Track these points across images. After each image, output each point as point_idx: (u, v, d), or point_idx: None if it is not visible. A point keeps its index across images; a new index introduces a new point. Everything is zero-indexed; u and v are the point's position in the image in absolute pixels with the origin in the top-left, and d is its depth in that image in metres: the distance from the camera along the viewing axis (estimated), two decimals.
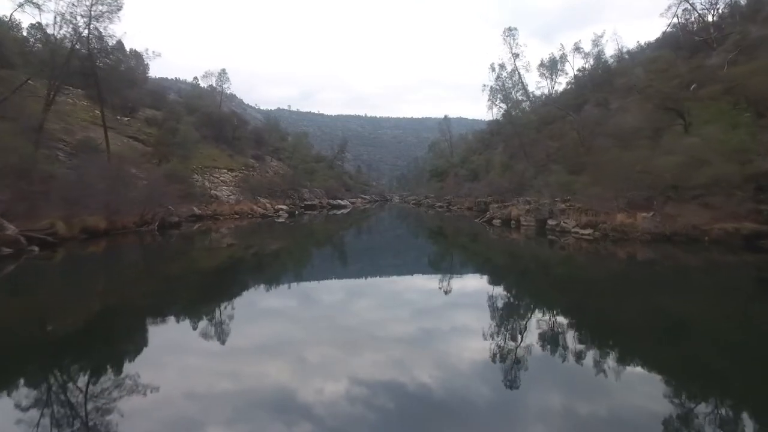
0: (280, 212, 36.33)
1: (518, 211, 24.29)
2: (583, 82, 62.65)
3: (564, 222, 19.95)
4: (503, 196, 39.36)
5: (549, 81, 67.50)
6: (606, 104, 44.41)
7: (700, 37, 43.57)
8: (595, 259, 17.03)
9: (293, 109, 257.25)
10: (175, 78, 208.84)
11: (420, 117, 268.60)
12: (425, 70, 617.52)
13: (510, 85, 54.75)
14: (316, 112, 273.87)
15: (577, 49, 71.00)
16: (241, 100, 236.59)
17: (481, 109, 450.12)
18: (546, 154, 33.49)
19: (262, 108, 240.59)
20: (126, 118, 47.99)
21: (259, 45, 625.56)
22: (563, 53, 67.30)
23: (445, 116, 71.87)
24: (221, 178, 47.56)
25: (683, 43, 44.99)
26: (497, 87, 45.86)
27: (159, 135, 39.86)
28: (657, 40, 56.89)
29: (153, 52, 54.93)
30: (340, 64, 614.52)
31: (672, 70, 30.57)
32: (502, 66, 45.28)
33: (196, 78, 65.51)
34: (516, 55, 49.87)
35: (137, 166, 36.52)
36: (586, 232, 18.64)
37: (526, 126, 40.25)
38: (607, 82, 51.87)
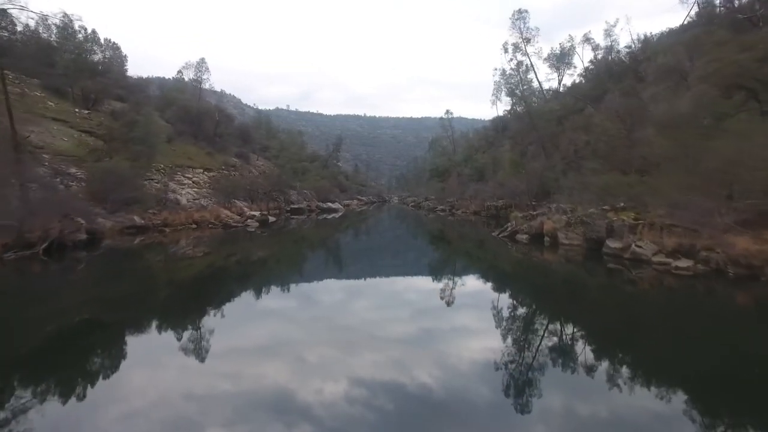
0: (251, 220, 28.97)
1: (553, 224, 17.27)
2: (596, 73, 55.74)
3: (638, 245, 12.88)
4: (518, 198, 32.33)
5: (558, 73, 60.70)
6: (634, 93, 37.53)
7: (744, 14, 36.70)
8: (683, 298, 10.17)
9: (292, 108, 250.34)
10: (172, 77, 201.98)
11: (419, 116, 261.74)
12: (424, 70, 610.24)
13: (522, 73, 47.93)
14: (315, 111, 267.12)
15: (587, 39, 64.34)
16: (239, 99, 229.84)
17: (480, 109, 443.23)
18: (574, 150, 26.49)
19: (260, 108, 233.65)
20: (86, 111, 41.03)
21: (259, 45, 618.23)
22: (572, 45, 60.44)
23: (447, 111, 64.91)
24: (194, 178, 40.55)
25: (722, 23, 38.12)
26: (510, 72, 38.65)
27: (110, 128, 32.89)
28: (683, 25, 50.02)
29: (73, 15, 47.39)
30: (339, 64, 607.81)
31: (739, 42, 23.69)
32: (516, 46, 38.01)
33: (180, 72, 57.89)
34: (527, 40, 42.69)
35: (78, 165, 29.72)
36: (684, 265, 11.56)
37: (546, 117, 33.09)
38: (629, 70, 44.94)
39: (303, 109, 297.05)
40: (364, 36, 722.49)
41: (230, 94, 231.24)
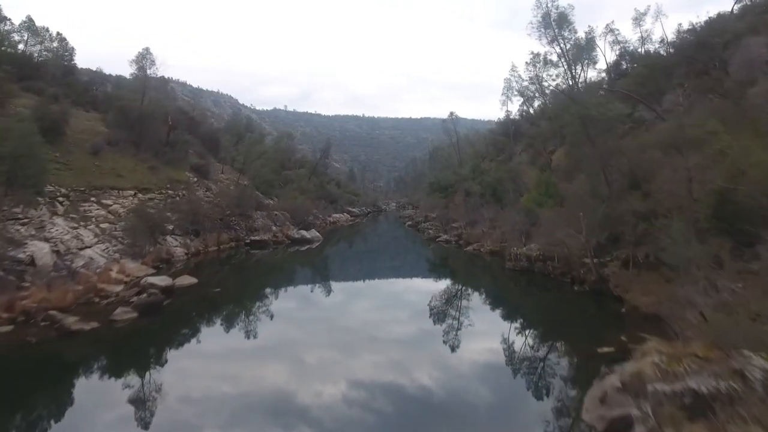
0: (124, 308, 15.77)
1: None
2: (635, 66, 43.87)
3: None
4: (565, 247, 20.42)
5: (577, 69, 48.67)
6: (722, 89, 25.54)
7: None
8: None
9: (290, 109, 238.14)
10: (167, 77, 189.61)
11: (418, 117, 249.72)
12: (424, 70, 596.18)
13: (539, 67, 36.49)
14: (313, 112, 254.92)
15: (610, 31, 52.48)
16: (236, 99, 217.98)
17: (481, 110, 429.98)
18: (689, 180, 14.41)
19: (258, 108, 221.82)
20: None
21: (257, 45, 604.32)
22: (592, 36, 48.45)
23: (451, 113, 52.53)
24: (113, 206, 28.76)
25: None
26: (529, 61, 26.55)
27: None
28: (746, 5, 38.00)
29: None
30: (338, 64, 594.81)
31: None
32: (562, 17, 25.65)
33: (146, 68, 44.81)
34: (557, 22, 30.12)
35: None
36: None
37: (607, 126, 20.90)
38: (685, 61, 32.97)
39: (301, 109, 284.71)
40: (364, 36, 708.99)
41: (227, 95, 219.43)
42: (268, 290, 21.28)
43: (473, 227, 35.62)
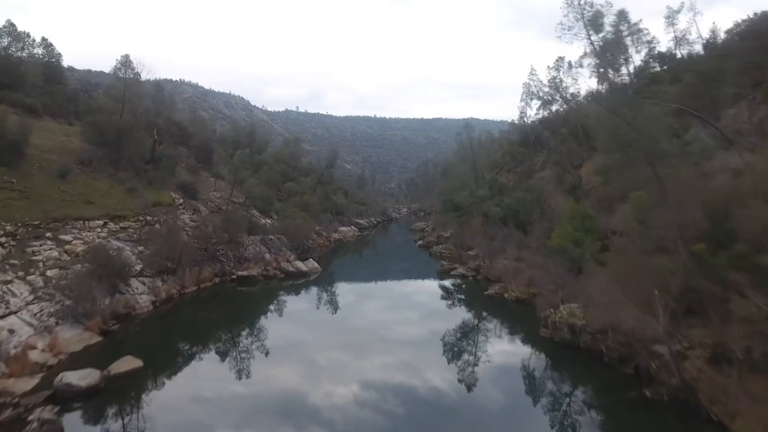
0: None
1: None
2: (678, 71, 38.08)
3: None
4: (629, 322, 15.05)
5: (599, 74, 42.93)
6: None
7: None
8: None
9: (301, 110, 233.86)
10: (180, 79, 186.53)
11: (430, 117, 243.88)
12: (435, 71, 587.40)
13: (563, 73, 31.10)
14: (325, 113, 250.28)
15: (638, 30, 46.64)
16: (248, 101, 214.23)
17: (491, 111, 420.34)
18: None
19: (269, 109, 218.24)
20: None
21: (270, 46, 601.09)
22: (618, 37, 42.56)
23: (467, 123, 46.78)
24: (72, 243, 24.08)
25: None
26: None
27: None
28: None
29: None
30: (349, 65, 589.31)
31: None
32: (621, 15, 20.36)
33: (126, 74, 40.15)
34: (591, 22, 24.55)
35: None
36: None
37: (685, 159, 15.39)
38: (742, 68, 27.24)
39: (312, 110, 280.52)
40: (375, 37, 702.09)
41: (239, 96, 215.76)
42: (236, 378, 16.12)
43: (493, 259, 30.38)
